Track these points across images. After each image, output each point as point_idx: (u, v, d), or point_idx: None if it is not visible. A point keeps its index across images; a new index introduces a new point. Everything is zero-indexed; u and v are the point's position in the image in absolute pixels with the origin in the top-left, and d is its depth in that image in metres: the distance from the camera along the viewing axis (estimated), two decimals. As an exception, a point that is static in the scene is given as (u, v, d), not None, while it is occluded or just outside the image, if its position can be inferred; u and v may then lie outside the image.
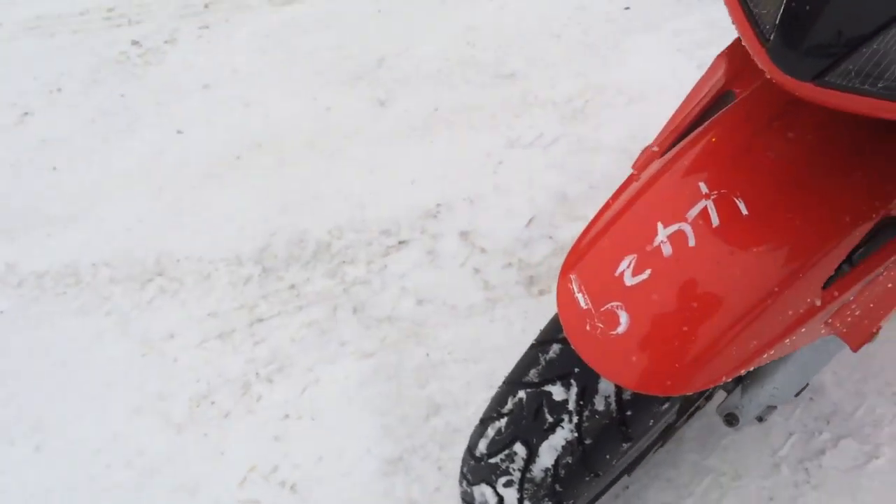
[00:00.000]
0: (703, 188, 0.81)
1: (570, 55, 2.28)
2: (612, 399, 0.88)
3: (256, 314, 1.73)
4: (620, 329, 0.79)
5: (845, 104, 0.64)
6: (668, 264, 0.79)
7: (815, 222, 0.80)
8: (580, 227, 1.83)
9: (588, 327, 0.80)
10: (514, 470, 0.95)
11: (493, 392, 1.56)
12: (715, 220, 0.79)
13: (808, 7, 0.60)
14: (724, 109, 0.89)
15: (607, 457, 0.92)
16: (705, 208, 0.80)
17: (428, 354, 1.63)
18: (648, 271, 0.79)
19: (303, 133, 2.12)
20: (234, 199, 1.97)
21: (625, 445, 0.91)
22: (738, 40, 1.00)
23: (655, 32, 2.33)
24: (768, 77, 0.66)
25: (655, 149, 0.91)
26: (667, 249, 0.79)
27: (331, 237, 1.86)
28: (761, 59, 0.66)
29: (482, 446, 0.98)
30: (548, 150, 2.02)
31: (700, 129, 0.89)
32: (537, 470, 0.93)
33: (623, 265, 0.81)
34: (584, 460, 0.91)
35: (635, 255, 0.81)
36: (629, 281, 0.80)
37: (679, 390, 0.79)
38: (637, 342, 0.78)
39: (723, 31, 2.30)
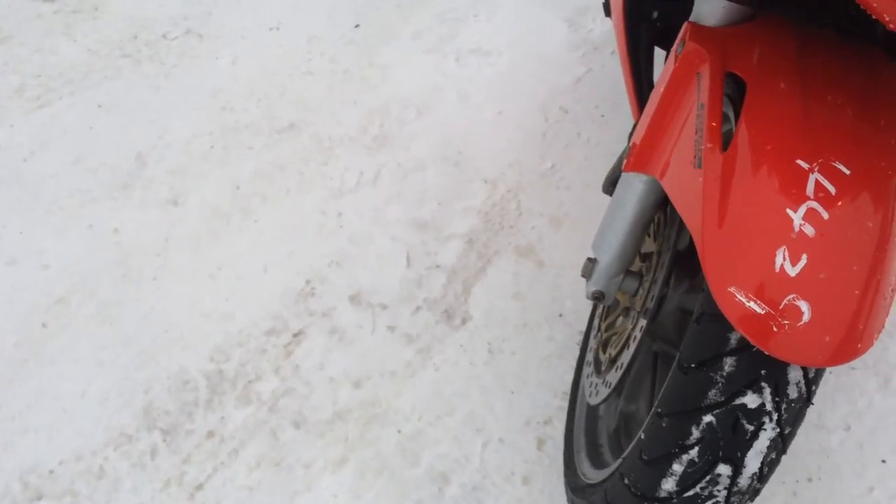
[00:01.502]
0: (803, 164, 0.86)
1: (334, 87, 2.22)
2: (802, 382, 0.92)
3: (190, 482, 1.47)
4: (805, 318, 0.82)
5: None
6: (817, 242, 0.83)
7: (891, 157, 0.89)
8: (456, 245, 1.83)
9: (775, 328, 0.82)
10: (719, 491, 0.95)
11: (486, 435, 1.52)
12: (831, 189, 0.85)
13: None
14: (752, 90, 0.94)
15: (797, 434, 0.96)
16: (817, 181, 0.85)
17: (400, 430, 1.53)
18: (805, 256, 0.83)
19: (105, 268, 1.80)
20: (71, 372, 1.63)
21: (805, 416, 0.96)
22: (689, 27, 1.05)
23: (397, 41, 2.35)
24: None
25: (710, 145, 0.93)
26: (809, 230, 0.84)
27: (216, 363, 1.63)
28: None
29: (669, 485, 0.96)
30: (376, 185, 1.96)
31: (743, 115, 0.92)
32: (744, 480, 0.94)
33: (779, 259, 0.83)
34: (784, 448, 0.94)
35: (785, 247, 0.83)
36: (792, 272, 0.83)
37: (866, 349, 0.85)
38: (825, 323, 0.82)
39: (455, 21, 2.39)
